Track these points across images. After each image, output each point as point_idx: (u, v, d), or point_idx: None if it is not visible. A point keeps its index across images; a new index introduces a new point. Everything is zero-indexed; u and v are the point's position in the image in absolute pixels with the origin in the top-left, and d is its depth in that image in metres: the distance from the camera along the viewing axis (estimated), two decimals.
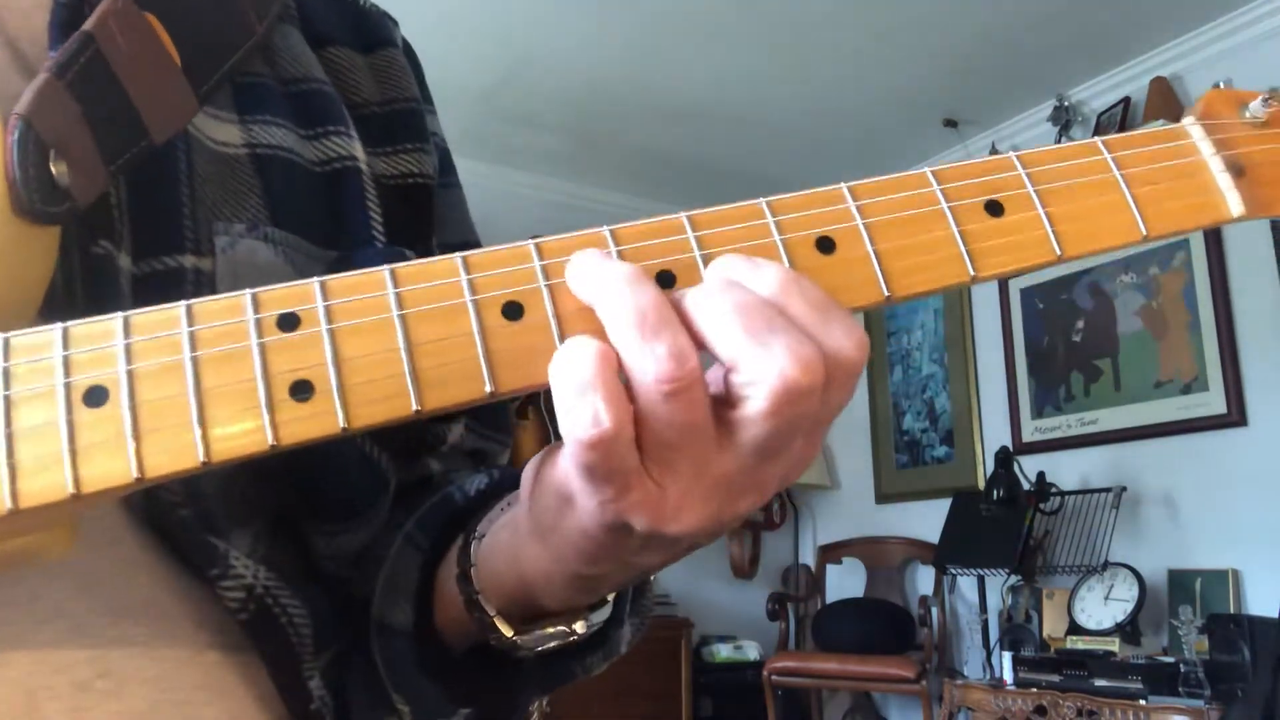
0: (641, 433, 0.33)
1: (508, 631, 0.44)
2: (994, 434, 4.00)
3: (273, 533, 0.48)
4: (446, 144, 0.64)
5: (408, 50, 0.65)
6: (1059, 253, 0.39)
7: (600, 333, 0.34)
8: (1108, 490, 3.43)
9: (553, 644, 0.44)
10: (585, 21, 3.34)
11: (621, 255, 0.36)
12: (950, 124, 4.03)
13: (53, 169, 0.39)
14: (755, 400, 0.32)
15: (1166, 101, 3.44)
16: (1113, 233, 0.40)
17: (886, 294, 0.37)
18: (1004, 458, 3.56)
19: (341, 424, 0.33)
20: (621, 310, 0.33)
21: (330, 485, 0.49)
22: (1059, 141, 3.74)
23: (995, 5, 3.25)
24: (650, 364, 0.32)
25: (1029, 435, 3.89)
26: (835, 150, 4.28)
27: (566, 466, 0.34)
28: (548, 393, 0.34)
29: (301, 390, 0.33)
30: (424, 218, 0.60)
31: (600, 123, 4.02)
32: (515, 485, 0.49)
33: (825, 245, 0.37)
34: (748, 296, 0.33)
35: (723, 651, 4.24)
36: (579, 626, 0.44)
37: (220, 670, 0.44)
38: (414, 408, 0.34)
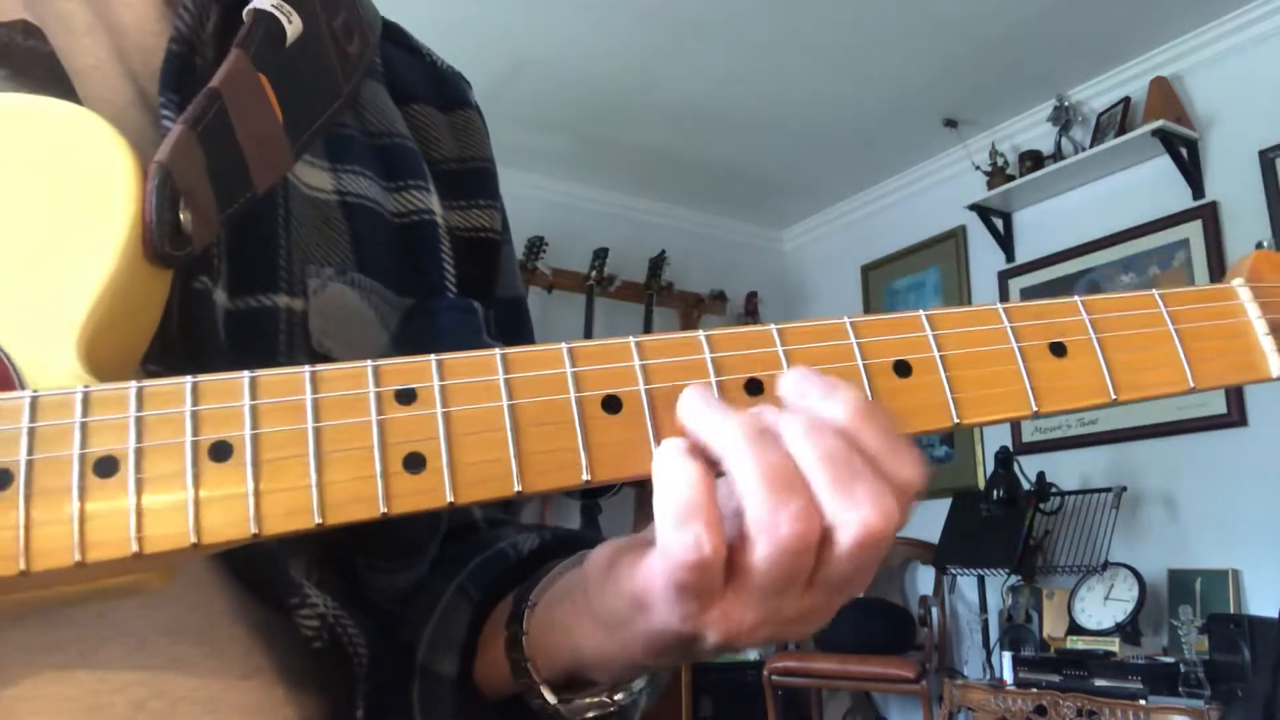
0: (746, 571, 0.35)
1: (552, 700, 0.45)
2: (994, 434, 4.00)
3: (323, 563, 0.49)
4: (504, 203, 0.67)
5: (478, 111, 0.68)
6: (1114, 397, 0.42)
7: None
8: (1108, 490, 3.43)
9: (591, 714, 0.46)
10: (586, 22, 3.34)
11: (716, 362, 0.39)
12: (950, 124, 4.03)
13: (181, 216, 0.41)
14: (840, 545, 0.34)
15: (1167, 101, 3.44)
16: (1163, 383, 0.43)
17: (956, 421, 0.40)
18: (1004, 458, 3.56)
19: (449, 498, 0.35)
20: (752, 466, 0.35)
21: (390, 524, 0.50)
22: (1059, 140, 3.75)
23: (995, 5, 3.25)
24: (783, 523, 0.34)
25: (1029, 435, 3.89)
26: (835, 150, 4.28)
27: (650, 577, 0.36)
28: None
29: (414, 464, 0.35)
30: (490, 270, 0.63)
31: (601, 123, 4.02)
32: (564, 548, 0.52)
33: (902, 369, 0.40)
34: (833, 442, 0.35)
35: None
36: (619, 697, 0.46)
37: (268, 695, 0.45)
38: (516, 489, 0.36)
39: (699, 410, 0.37)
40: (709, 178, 4.53)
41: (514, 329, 0.64)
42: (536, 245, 4.18)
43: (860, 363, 0.40)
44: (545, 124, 4.01)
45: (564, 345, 0.38)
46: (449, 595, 0.52)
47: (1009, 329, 0.41)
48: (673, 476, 0.35)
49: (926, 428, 0.39)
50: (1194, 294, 0.45)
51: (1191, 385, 0.43)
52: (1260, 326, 0.44)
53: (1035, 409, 0.40)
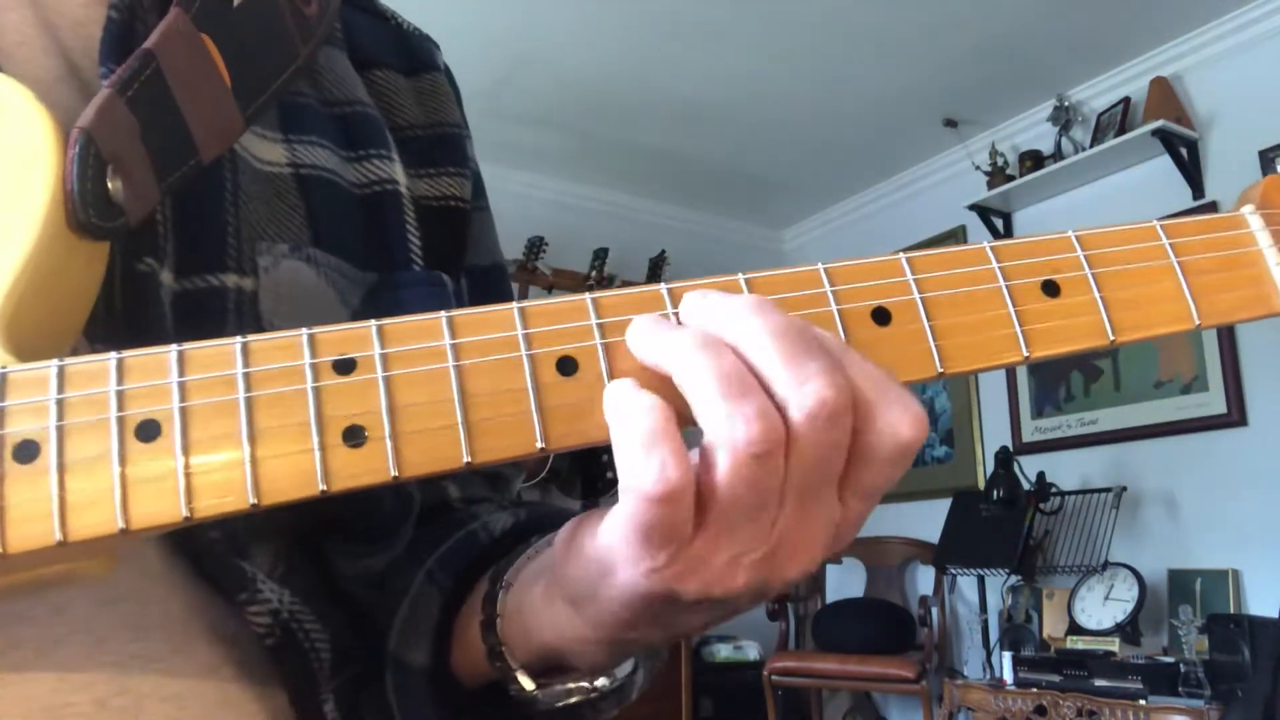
0: (712, 497, 0.32)
1: (529, 686, 0.43)
2: (994, 434, 4.00)
3: (292, 552, 0.47)
4: (479, 168, 0.65)
5: (448, 74, 0.66)
6: (1111, 338, 0.39)
7: (655, 390, 0.33)
8: (1108, 490, 3.43)
9: (573, 699, 0.44)
10: (585, 21, 3.34)
11: (679, 316, 0.36)
12: (950, 124, 4.03)
13: (109, 184, 0.39)
14: (796, 424, 0.32)
15: (1167, 101, 3.44)
16: (1165, 321, 0.39)
17: (940, 370, 0.37)
18: (1004, 458, 3.56)
19: (393, 472, 0.33)
20: (703, 373, 0.32)
21: (360, 508, 0.48)
22: (1059, 140, 3.74)
23: (995, 5, 3.25)
24: (740, 427, 0.31)
25: (1029, 435, 3.89)
26: (835, 150, 4.28)
27: (611, 537, 0.34)
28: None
29: (354, 436, 0.33)
30: (459, 240, 0.60)
31: (600, 123, 4.02)
32: (540, 527, 0.49)
33: (881, 317, 0.37)
34: (778, 319, 0.33)
35: (723, 651, 4.24)
36: (601, 682, 0.44)
37: (236, 689, 0.44)
38: (465, 460, 0.33)
39: (647, 331, 0.34)
40: (709, 178, 4.53)
41: (491, 297, 0.60)
42: (536, 245, 4.17)
43: (835, 309, 0.37)
44: (545, 123, 4.01)
45: (514, 305, 0.35)
46: (418, 583, 0.50)
47: (997, 269, 0.38)
48: (628, 408, 0.32)
49: (909, 378, 0.36)
50: (1199, 224, 0.41)
51: (1197, 322, 0.39)
52: (1271, 256, 0.41)
53: (1026, 354, 0.37)
